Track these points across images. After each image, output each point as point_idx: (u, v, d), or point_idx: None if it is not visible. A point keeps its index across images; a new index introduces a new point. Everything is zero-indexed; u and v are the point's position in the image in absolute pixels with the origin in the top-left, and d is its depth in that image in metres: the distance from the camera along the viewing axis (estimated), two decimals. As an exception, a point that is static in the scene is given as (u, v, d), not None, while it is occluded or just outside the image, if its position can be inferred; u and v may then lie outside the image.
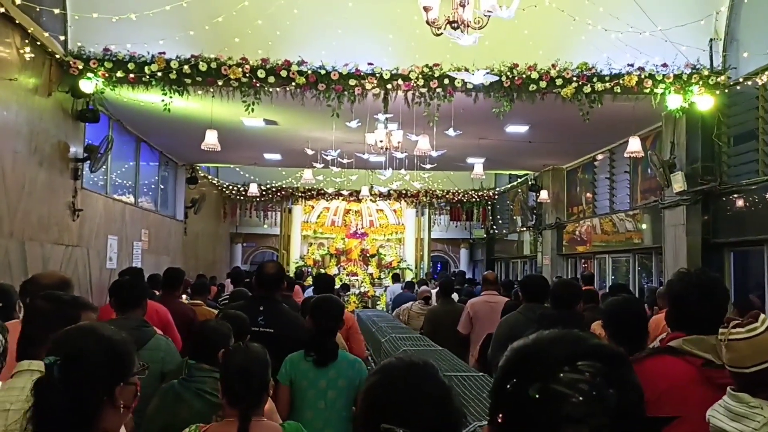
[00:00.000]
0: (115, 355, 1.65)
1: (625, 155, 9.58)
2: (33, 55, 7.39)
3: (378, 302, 18.35)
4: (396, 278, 12.63)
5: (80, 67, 8.09)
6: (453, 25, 4.27)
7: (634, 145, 9.11)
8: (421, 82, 8.30)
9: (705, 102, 8.39)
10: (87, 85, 8.19)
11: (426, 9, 4.33)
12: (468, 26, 4.27)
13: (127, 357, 1.69)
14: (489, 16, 4.21)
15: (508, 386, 1.03)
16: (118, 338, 1.71)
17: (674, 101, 8.45)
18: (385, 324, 7.91)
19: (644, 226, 11.27)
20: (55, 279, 3.41)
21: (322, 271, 18.67)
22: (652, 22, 7.72)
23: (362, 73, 8.27)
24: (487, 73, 7.18)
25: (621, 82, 8.35)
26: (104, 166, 9.92)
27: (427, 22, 4.41)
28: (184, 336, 4.94)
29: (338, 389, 3.54)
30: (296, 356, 3.66)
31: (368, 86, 8.28)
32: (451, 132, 8.69)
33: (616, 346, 1.07)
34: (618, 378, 1.00)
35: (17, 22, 6.88)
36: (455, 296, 8.98)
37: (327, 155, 10.25)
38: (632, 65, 8.39)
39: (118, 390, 1.62)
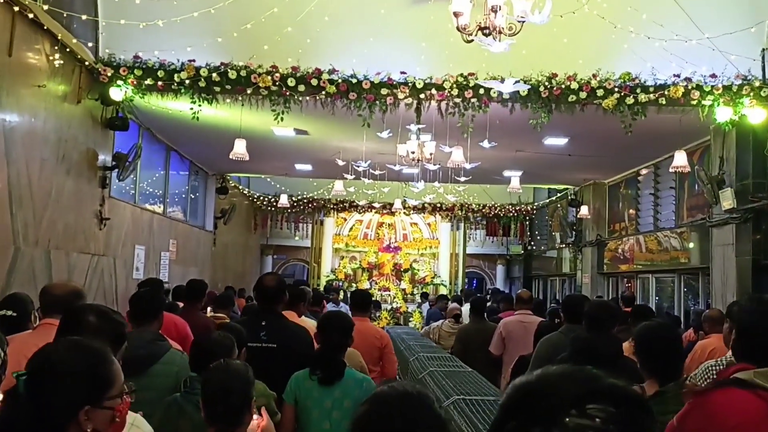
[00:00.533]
0: (87, 374, 1.58)
1: (671, 170, 9.38)
2: (62, 62, 7.50)
3: (410, 319, 18.29)
4: (425, 297, 12.42)
5: (110, 74, 8.21)
6: (485, 31, 4.19)
7: (680, 159, 8.92)
8: (455, 91, 8.27)
9: (756, 115, 8.20)
10: (116, 93, 8.30)
11: (456, 14, 4.27)
12: (500, 32, 4.19)
13: (103, 378, 1.62)
14: (522, 22, 4.12)
15: (507, 428, 0.94)
16: (98, 357, 1.64)
17: (723, 114, 8.27)
18: (414, 342, 8.05)
19: (691, 245, 11.07)
20: (68, 290, 3.40)
21: (354, 286, 18.69)
22: (699, 29, 7.54)
23: (394, 82, 8.27)
24: (517, 81, 7.07)
25: (666, 93, 8.22)
26: (133, 175, 10.04)
27: (458, 29, 4.34)
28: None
29: (343, 410, 3.49)
30: (301, 374, 3.62)
31: (400, 95, 8.28)
32: (486, 144, 8.66)
33: (635, 388, 0.96)
34: (634, 426, 0.90)
35: (46, 28, 6.99)
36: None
37: (358, 166, 10.28)
38: (678, 75, 8.26)
39: (83, 413, 1.56)
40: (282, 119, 8.46)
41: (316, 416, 3.48)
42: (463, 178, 10.28)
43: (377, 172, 11.46)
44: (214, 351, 3.07)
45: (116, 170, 9.24)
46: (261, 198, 18.51)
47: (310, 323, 5.17)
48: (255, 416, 2.77)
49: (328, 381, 3.53)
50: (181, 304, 6.45)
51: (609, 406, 0.90)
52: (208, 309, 7.76)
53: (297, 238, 20.50)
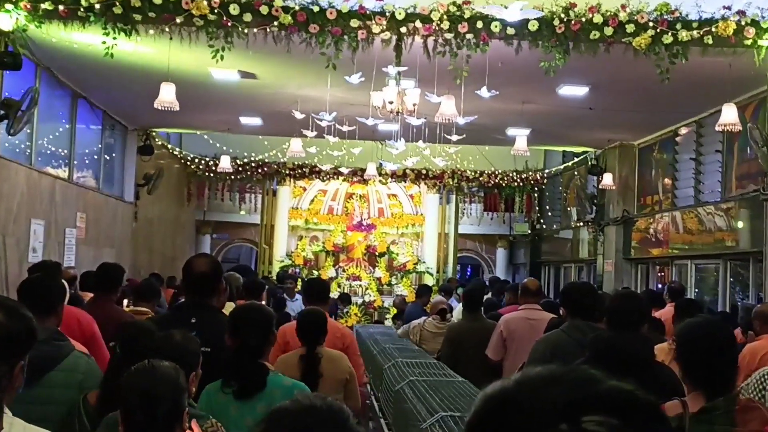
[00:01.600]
0: None
1: (717, 128, 9.44)
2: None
3: (387, 315, 18.31)
4: (423, 292, 12.00)
5: (-5, -5, 8.03)
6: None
7: (729, 115, 8.97)
8: (445, 24, 8.17)
9: (826, 59, 8.23)
10: (4, 20, 8.13)
11: None
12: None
13: None
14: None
15: None
16: None
17: (785, 57, 8.32)
18: (390, 345, 7.93)
19: (740, 224, 11.19)
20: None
21: (316, 273, 18.68)
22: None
23: (368, 12, 8.16)
24: (524, 6, 7.07)
25: (713, 30, 8.19)
26: (28, 128, 9.95)
27: None
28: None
29: None
30: (213, 387, 3.64)
31: (375, 29, 8.18)
32: (484, 92, 8.58)
33: (646, 393, 0.92)
34: None
35: None
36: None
37: (321, 120, 10.28)
38: (729, 8, 8.21)
39: None
40: (222, 58, 8.31)
41: None
42: (455, 137, 10.19)
43: (345, 128, 11.43)
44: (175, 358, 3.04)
45: (5, 122, 9.11)
46: (196, 160, 18.38)
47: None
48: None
49: (246, 393, 3.55)
50: (90, 295, 6.40)
51: (611, 417, 0.86)
52: (125, 302, 7.74)
53: (243, 212, 20.35)
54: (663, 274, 14.10)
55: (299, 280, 15.21)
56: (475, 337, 7.21)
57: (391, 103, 8.39)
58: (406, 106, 8.49)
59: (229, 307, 6.18)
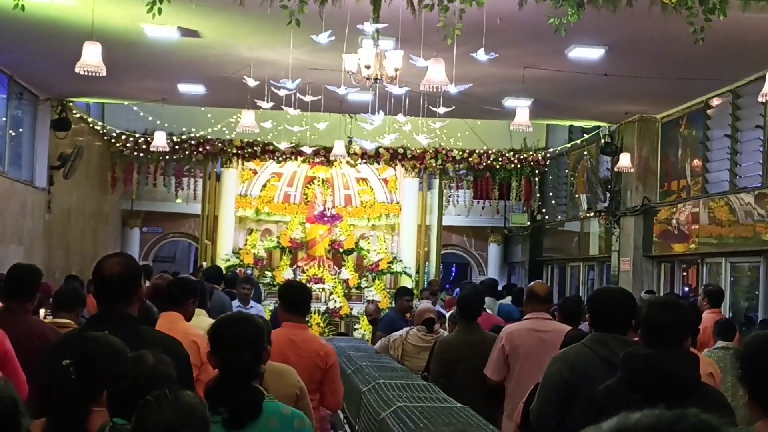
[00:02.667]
0: None
1: (760, 99, 9.44)
2: None
3: (356, 326, 18.30)
4: (402, 295, 12.08)
5: None
6: None
7: (773, 83, 8.99)
8: (433, -29, 8.16)
9: None
10: None
11: None
12: None
13: None
14: None
15: None
16: None
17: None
18: (368, 363, 7.98)
19: (785, 215, 11.23)
20: None
21: (270, 275, 18.63)
22: None
23: (340, -46, 8.06)
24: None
25: (758, -19, 8.26)
26: None
27: None
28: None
29: None
30: None
31: (348, -24, 8.18)
32: (481, 54, 8.52)
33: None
34: None
35: None
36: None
37: (281, 87, 10.15)
38: (777, -45, 8.29)
39: None
40: (160, 12, 8.16)
41: None
42: (442, 109, 10.16)
43: (308, 98, 11.32)
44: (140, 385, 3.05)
45: None
46: (123, 137, 18.17)
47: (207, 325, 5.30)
48: None
49: (238, 423, 3.55)
50: (-1, 304, 6.31)
51: None
52: (42, 311, 7.67)
53: (179, 200, 20.26)
54: (686, 274, 14.13)
55: (251, 281, 15.03)
56: (470, 353, 7.19)
57: (368, 67, 8.36)
58: (386, 71, 8.45)
59: (200, 316, 6.16)
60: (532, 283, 8.00)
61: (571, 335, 5.93)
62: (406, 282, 18.84)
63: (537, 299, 7.19)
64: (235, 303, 11.00)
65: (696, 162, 14.00)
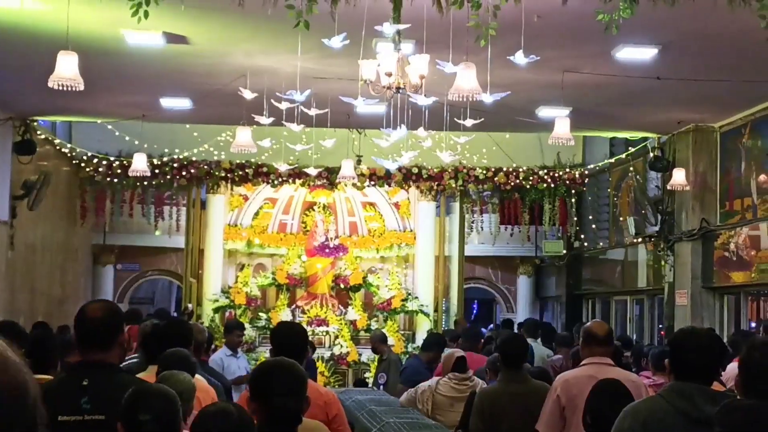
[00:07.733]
0: None
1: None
2: None
3: (366, 374, 18.28)
4: (432, 345, 11.81)
5: None
6: None
7: None
8: (464, -40, 8.07)
9: None
10: None
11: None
12: None
13: None
14: None
15: None
16: None
17: None
18: (395, 419, 8.14)
19: None
20: None
21: (264, 317, 19.61)
22: None
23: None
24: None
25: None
26: None
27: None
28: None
29: None
30: None
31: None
32: (519, 57, 8.47)
33: None
34: None
35: None
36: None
37: (285, 99, 10.25)
38: None
39: None
40: (146, 15, 8.05)
41: None
42: (470, 122, 10.18)
43: (313, 111, 11.06)
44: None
45: None
46: (95, 161, 18.16)
47: (200, 384, 5.75)
48: None
49: None
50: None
51: None
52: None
53: (159, 232, 20.30)
54: (751, 305, 14.59)
55: (237, 327, 14.70)
56: (518, 406, 7.39)
57: (389, 75, 8.32)
58: (409, 79, 8.41)
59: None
60: (590, 322, 8.23)
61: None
62: (424, 322, 19.18)
63: (596, 341, 7.21)
64: (222, 352, 11.60)
65: (762, 177, 14.02)
